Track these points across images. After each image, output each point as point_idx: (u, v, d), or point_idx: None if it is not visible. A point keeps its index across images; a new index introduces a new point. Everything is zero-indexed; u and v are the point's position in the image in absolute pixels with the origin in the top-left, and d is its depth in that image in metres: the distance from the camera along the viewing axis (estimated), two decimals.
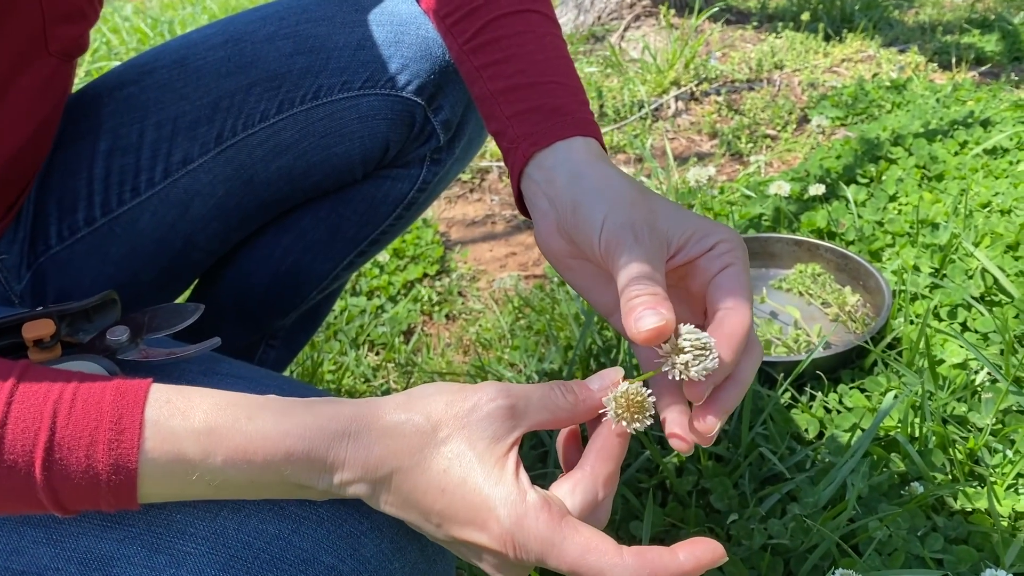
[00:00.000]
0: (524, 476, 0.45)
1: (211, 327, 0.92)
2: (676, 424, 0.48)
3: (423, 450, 0.44)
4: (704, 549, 0.43)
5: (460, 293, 1.55)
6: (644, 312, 0.46)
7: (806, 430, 0.98)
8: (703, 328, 0.48)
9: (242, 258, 0.86)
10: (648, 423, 0.47)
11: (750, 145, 1.97)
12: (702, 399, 0.47)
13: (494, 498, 0.43)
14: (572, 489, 0.46)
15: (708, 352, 0.46)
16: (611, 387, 0.48)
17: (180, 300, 0.92)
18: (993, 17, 2.76)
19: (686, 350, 0.46)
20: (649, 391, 0.47)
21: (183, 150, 0.74)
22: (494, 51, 0.62)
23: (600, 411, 0.48)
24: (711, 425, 0.47)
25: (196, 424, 0.43)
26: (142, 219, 0.76)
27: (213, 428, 0.43)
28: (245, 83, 0.72)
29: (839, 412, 1.01)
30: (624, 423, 0.46)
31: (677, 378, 0.46)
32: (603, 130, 2.11)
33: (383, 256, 1.59)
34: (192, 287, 0.92)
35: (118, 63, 2.84)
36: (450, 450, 0.44)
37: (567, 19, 2.81)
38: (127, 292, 0.80)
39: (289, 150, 0.74)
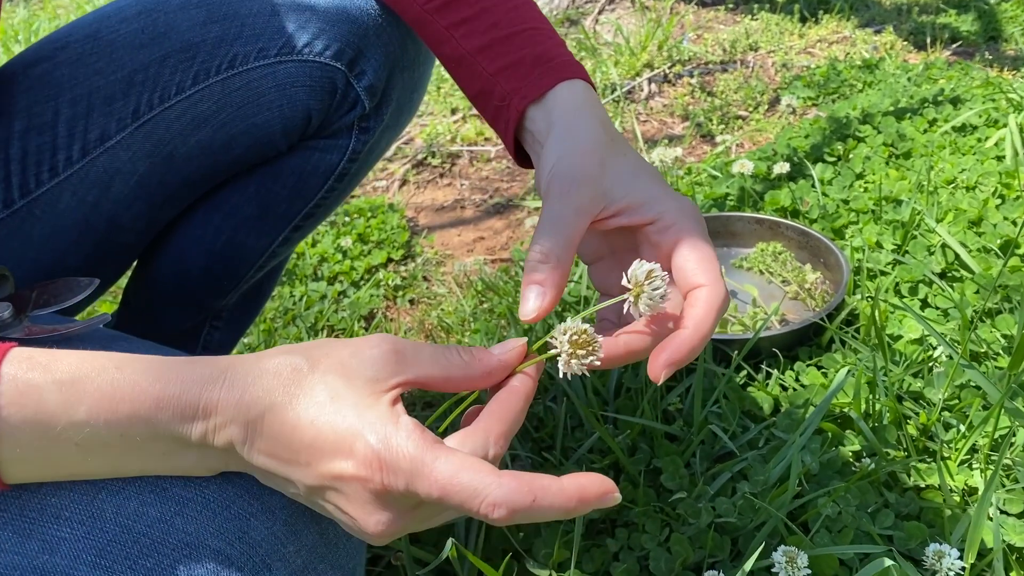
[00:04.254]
0: (401, 408, 0.42)
1: (152, 312, 0.90)
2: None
3: (299, 384, 0.41)
4: (591, 481, 0.41)
5: (424, 278, 1.53)
6: (526, 291, 0.48)
7: (761, 408, 0.96)
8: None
9: (175, 239, 0.83)
10: (599, 355, 0.46)
11: (721, 126, 1.95)
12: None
13: (362, 421, 0.40)
14: (461, 442, 0.43)
15: (662, 286, 0.47)
16: (519, 352, 0.47)
17: (116, 289, 0.90)
18: None
19: (645, 289, 0.47)
20: (591, 328, 0.47)
21: (100, 127, 0.71)
22: (462, 7, 0.61)
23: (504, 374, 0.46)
24: (657, 373, 0.47)
25: (58, 375, 0.40)
26: (63, 200, 0.73)
27: (77, 378, 0.40)
28: (159, 55, 0.69)
29: (795, 390, 0.99)
30: (575, 362, 0.45)
31: (635, 312, 0.48)
32: None
33: (346, 241, 1.57)
34: (129, 271, 0.90)
35: None
36: (325, 385, 0.41)
37: (543, 2, 2.78)
38: (56, 277, 0.77)
39: (208, 122, 0.71)
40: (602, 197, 0.51)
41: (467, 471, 0.39)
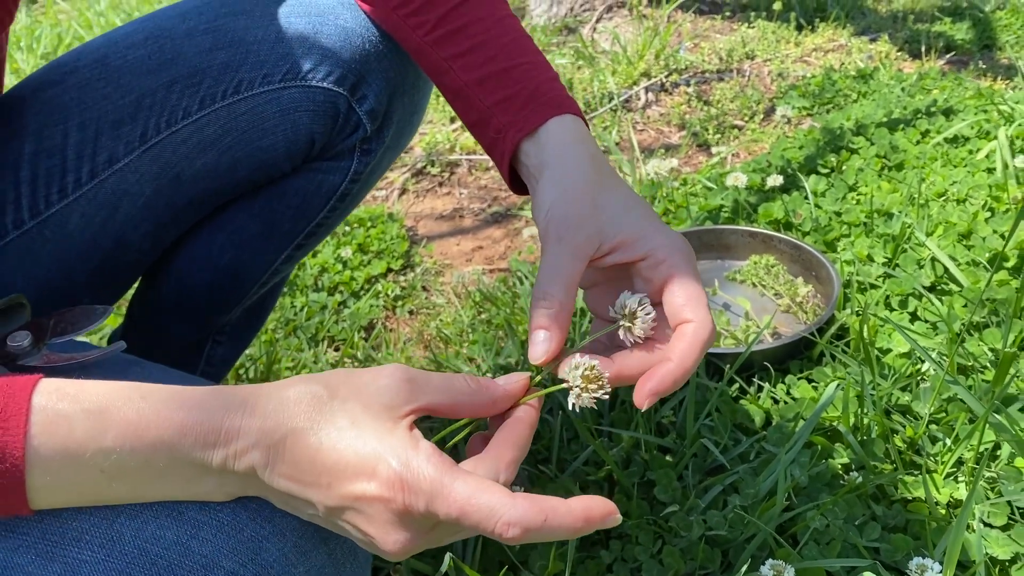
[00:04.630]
0: (418, 432, 0.45)
1: (156, 326, 0.92)
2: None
3: (319, 411, 0.44)
4: (595, 503, 0.44)
5: (424, 287, 1.55)
6: (533, 335, 0.51)
7: (752, 421, 0.98)
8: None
9: (180, 257, 0.85)
10: (607, 389, 0.50)
11: (717, 136, 1.97)
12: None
13: (384, 445, 0.43)
14: (473, 467, 0.46)
15: (652, 312, 0.53)
16: (524, 383, 0.51)
17: (121, 302, 0.92)
18: (965, 5, 2.77)
19: (639, 315, 0.52)
20: (599, 365, 0.51)
21: (108, 150, 0.73)
22: (461, 40, 0.63)
23: (514, 402, 0.50)
24: (641, 401, 0.50)
25: (86, 405, 0.42)
26: (71, 221, 0.75)
27: (104, 408, 0.43)
28: (166, 80, 0.71)
29: (786, 403, 1.01)
30: (586, 395, 0.49)
31: (629, 340, 0.53)
32: None
33: (346, 251, 1.59)
34: (134, 288, 0.92)
35: None
36: (345, 411, 0.44)
37: (540, 10, 2.80)
38: (63, 295, 0.79)
39: (213, 146, 0.73)
40: (597, 236, 0.54)
41: (484, 492, 0.42)
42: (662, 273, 0.53)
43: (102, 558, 0.45)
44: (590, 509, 0.43)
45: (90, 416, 0.42)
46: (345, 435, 0.43)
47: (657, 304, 0.54)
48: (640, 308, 0.52)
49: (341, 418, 0.44)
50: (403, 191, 1.95)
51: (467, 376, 0.49)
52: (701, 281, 0.53)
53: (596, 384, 0.49)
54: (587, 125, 0.61)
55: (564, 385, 0.50)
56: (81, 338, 0.58)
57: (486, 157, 2.03)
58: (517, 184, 0.62)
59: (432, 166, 2.00)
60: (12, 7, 0.68)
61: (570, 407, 0.50)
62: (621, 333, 0.53)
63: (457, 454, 0.48)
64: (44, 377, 0.43)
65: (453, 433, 0.51)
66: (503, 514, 0.41)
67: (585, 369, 0.49)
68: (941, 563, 0.73)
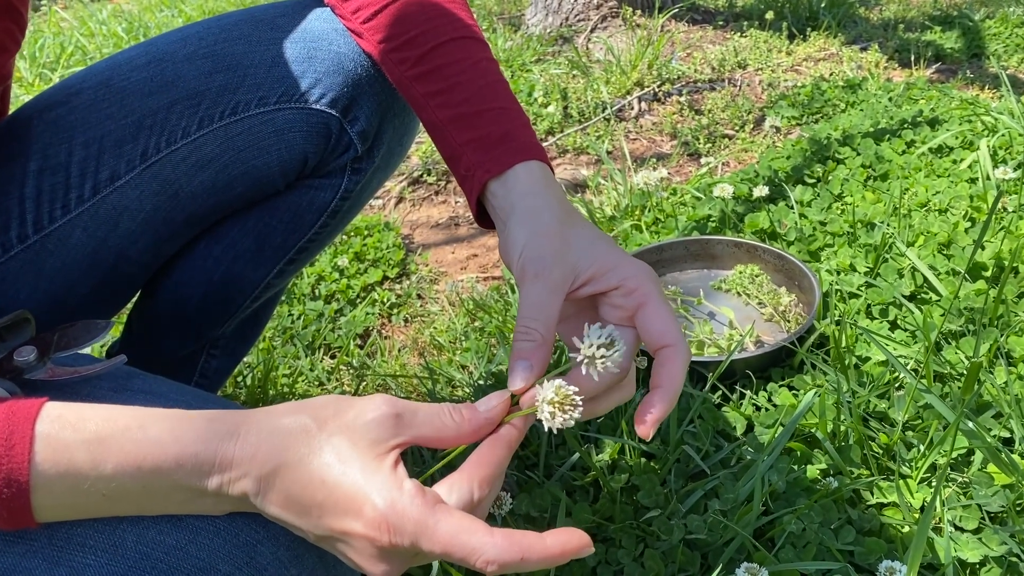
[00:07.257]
0: (402, 470, 0.47)
1: (152, 339, 0.95)
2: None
3: (308, 445, 0.47)
4: (571, 537, 0.47)
5: (419, 295, 1.58)
6: (515, 364, 0.53)
7: (734, 428, 1.01)
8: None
9: (176, 270, 0.88)
10: (580, 411, 0.51)
11: (708, 145, 2.00)
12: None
13: (370, 485, 0.45)
14: (448, 489, 0.48)
15: (616, 348, 0.52)
16: (503, 405, 0.53)
17: (122, 313, 0.95)
18: (956, 13, 2.81)
19: (610, 356, 0.52)
20: (574, 388, 0.52)
21: (110, 167, 0.76)
22: (437, 80, 0.66)
23: (509, 417, 0.52)
24: (647, 431, 0.53)
25: (87, 435, 0.45)
26: (74, 235, 0.78)
27: (103, 437, 0.45)
28: (167, 101, 0.75)
29: (767, 410, 1.04)
30: (560, 419, 0.51)
31: (592, 374, 0.53)
32: (567, 132, 2.14)
33: (343, 260, 1.62)
34: (132, 301, 0.95)
35: None
36: (333, 447, 0.47)
37: (536, 20, 2.83)
38: (65, 307, 0.82)
39: (211, 164, 0.76)
40: (571, 272, 0.57)
41: (465, 532, 0.45)
42: (635, 300, 0.56)
43: (105, 562, 0.48)
44: (565, 544, 0.46)
45: (90, 446, 0.45)
46: (332, 471, 0.46)
47: (627, 327, 0.57)
48: (609, 351, 0.53)
49: (328, 453, 0.46)
50: (400, 200, 1.98)
51: (451, 408, 0.51)
52: (670, 305, 0.56)
53: (570, 405, 0.51)
54: (552, 170, 0.63)
55: (540, 408, 0.52)
56: (84, 351, 0.61)
57: None
58: (484, 219, 0.65)
59: (428, 175, 2.03)
60: (19, 36, 0.71)
61: (546, 429, 0.52)
62: (586, 369, 0.53)
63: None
64: (47, 401, 0.46)
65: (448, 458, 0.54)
66: (483, 553, 0.44)
67: (557, 392, 0.51)
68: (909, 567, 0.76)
